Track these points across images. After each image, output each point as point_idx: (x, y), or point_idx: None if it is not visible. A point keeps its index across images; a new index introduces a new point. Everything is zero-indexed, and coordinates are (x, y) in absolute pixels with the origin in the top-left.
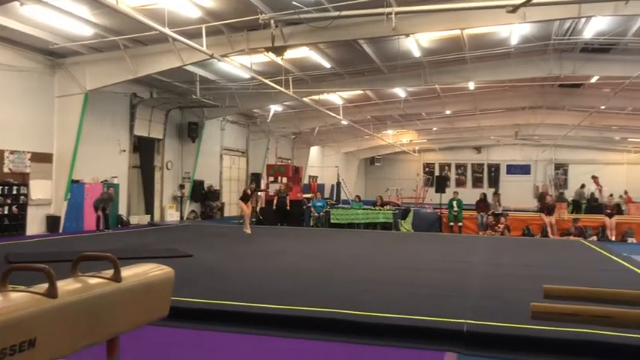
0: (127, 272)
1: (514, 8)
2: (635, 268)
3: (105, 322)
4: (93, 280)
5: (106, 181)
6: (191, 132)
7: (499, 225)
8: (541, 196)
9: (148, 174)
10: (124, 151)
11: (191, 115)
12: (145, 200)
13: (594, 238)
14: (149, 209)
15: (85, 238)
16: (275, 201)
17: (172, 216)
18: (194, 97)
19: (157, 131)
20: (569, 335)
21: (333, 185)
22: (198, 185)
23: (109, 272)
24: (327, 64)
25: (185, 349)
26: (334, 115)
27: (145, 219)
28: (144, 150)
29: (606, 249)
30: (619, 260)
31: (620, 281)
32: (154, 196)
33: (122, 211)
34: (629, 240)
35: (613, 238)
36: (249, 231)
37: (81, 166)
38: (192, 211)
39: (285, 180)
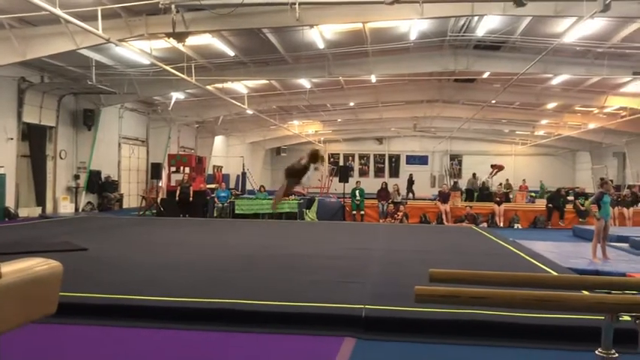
0: (8, 268)
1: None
2: (519, 252)
3: None
4: None
5: None
6: (86, 119)
7: (398, 213)
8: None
9: (39, 163)
10: (11, 139)
11: (86, 101)
12: (35, 191)
13: (485, 224)
14: (41, 201)
15: None
16: (177, 192)
17: (66, 208)
18: (90, 82)
19: (48, 118)
20: (454, 316)
21: (238, 175)
22: (94, 176)
23: None
24: (230, 52)
25: (72, 345)
26: (239, 104)
27: (36, 211)
28: (34, 138)
29: (495, 234)
30: (506, 245)
31: (506, 264)
32: (46, 187)
33: (10, 203)
34: (515, 226)
35: (501, 224)
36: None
37: None
38: (89, 202)
39: (187, 170)
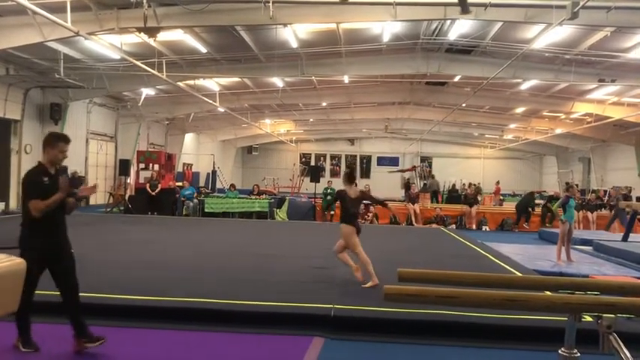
0: None
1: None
2: (487, 254)
3: None
4: None
5: None
6: (53, 114)
7: (368, 214)
8: (407, 185)
9: (2, 158)
10: None
11: (54, 95)
12: None
13: (453, 226)
14: (4, 196)
15: None
16: (147, 189)
17: None
18: (57, 76)
19: (13, 111)
20: (421, 316)
21: (208, 173)
22: (61, 171)
23: None
24: (202, 49)
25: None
26: (210, 101)
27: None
28: None
29: (463, 236)
30: (474, 247)
31: (473, 265)
32: (10, 182)
33: None
34: (484, 228)
35: (474, 227)
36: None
37: None
38: None
39: (156, 167)
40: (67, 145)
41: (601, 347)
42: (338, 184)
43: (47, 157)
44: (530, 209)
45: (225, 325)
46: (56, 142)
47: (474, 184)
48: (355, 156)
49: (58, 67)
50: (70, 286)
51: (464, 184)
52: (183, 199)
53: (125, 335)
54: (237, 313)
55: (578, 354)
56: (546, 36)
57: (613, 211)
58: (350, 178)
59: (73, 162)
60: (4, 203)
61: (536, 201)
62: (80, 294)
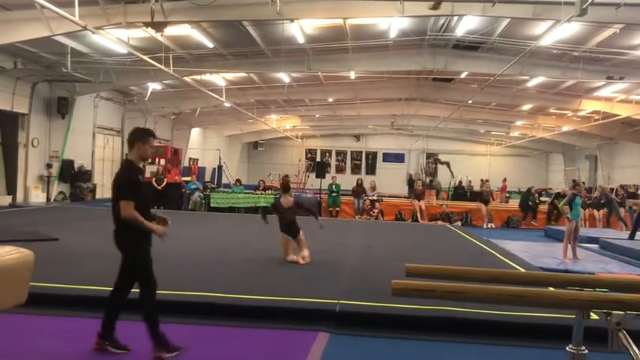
0: None
1: None
2: (493, 251)
3: None
4: None
5: None
6: (61, 108)
7: (374, 210)
8: (411, 181)
9: (10, 151)
10: None
11: (61, 89)
12: (6, 180)
13: (459, 223)
14: (11, 189)
15: None
16: (153, 183)
17: (38, 197)
18: (64, 70)
19: (21, 105)
20: (427, 312)
21: (214, 168)
22: (67, 165)
23: None
24: (209, 44)
25: (44, 336)
26: (217, 96)
27: (7, 200)
28: (6, 125)
29: (469, 233)
30: (479, 243)
31: (479, 262)
32: (17, 175)
33: None
34: (490, 225)
35: (492, 225)
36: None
37: None
38: (61, 192)
39: (163, 162)
40: (154, 139)
41: (610, 344)
42: (343, 179)
43: (137, 153)
44: (531, 204)
45: (229, 320)
46: (147, 137)
47: (486, 180)
48: (361, 152)
49: (66, 61)
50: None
51: (470, 181)
52: (188, 192)
53: (132, 328)
54: (242, 308)
55: (586, 351)
56: (554, 33)
57: (606, 207)
58: (285, 188)
59: (79, 156)
60: (11, 196)
61: (542, 198)
62: (96, 287)
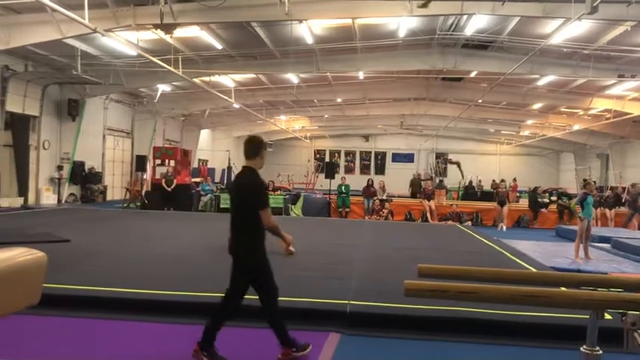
0: None
1: None
2: (503, 251)
3: None
4: None
5: None
6: (71, 110)
7: (384, 210)
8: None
9: (21, 153)
10: None
11: (71, 91)
12: (18, 182)
13: (469, 223)
14: (23, 191)
15: None
16: (163, 185)
17: (49, 199)
18: (75, 72)
19: (32, 108)
20: (438, 313)
21: (224, 169)
22: (78, 167)
23: None
24: (218, 45)
25: (54, 338)
26: (226, 97)
27: (18, 202)
28: (17, 127)
29: (479, 233)
30: (490, 243)
31: (490, 262)
32: (29, 177)
33: None
34: (500, 225)
35: (504, 228)
36: None
37: None
38: (72, 194)
39: (172, 163)
40: None
41: (625, 345)
42: (353, 180)
43: (260, 162)
44: (540, 200)
45: (242, 320)
46: (266, 146)
47: (500, 181)
48: (370, 152)
49: (76, 64)
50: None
51: (480, 181)
52: (202, 192)
53: (144, 328)
54: (254, 308)
55: (601, 351)
56: (564, 31)
57: (630, 209)
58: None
59: (90, 158)
60: (23, 198)
61: (552, 198)
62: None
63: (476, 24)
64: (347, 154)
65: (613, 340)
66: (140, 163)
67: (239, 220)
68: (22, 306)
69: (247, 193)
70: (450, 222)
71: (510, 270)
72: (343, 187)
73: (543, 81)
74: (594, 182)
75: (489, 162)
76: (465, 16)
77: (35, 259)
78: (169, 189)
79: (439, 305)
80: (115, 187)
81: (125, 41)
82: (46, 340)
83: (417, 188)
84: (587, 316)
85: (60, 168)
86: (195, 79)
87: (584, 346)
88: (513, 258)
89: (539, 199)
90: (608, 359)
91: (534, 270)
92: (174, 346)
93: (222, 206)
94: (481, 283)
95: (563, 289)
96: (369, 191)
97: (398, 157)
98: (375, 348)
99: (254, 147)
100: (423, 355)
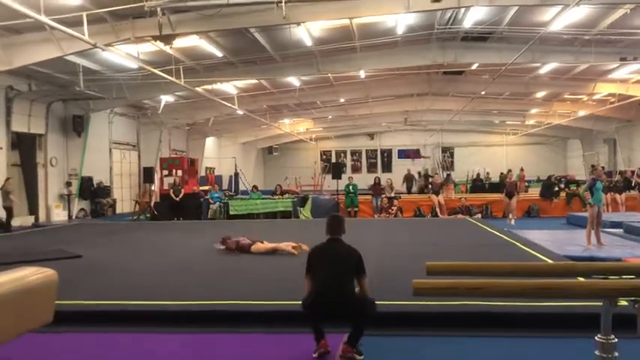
0: (0, 279)
1: None
2: (515, 242)
3: None
4: None
5: None
6: (76, 126)
7: (392, 207)
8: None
9: (29, 172)
10: (1, 148)
11: (75, 107)
12: (27, 200)
13: (479, 215)
14: (33, 209)
15: None
16: (171, 195)
17: (59, 215)
18: (77, 89)
19: (37, 126)
20: (449, 308)
21: (231, 176)
22: (86, 182)
23: None
24: (218, 53)
25: (70, 355)
26: (229, 104)
27: (29, 220)
28: (24, 146)
29: (490, 225)
30: (501, 235)
31: (502, 254)
32: (38, 195)
33: (1, 212)
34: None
35: (512, 222)
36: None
37: None
38: (82, 209)
39: (180, 173)
40: None
41: (639, 331)
42: (360, 179)
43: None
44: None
45: (257, 326)
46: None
47: (509, 171)
48: (375, 150)
49: (78, 80)
50: None
51: (487, 173)
52: (211, 200)
53: (158, 339)
54: (266, 313)
55: (616, 340)
56: (564, 17)
57: None
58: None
59: (97, 172)
60: (33, 216)
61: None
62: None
63: (474, 16)
64: (353, 153)
65: (629, 326)
66: (147, 174)
67: (343, 284)
68: (36, 325)
69: (346, 260)
70: (459, 216)
71: (521, 263)
72: (351, 187)
73: (545, 69)
74: (602, 167)
75: (496, 153)
76: (462, 9)
77: (46, 278)
78: (177, 199)
79: (450, 300)
80: (124, 200)
81: (126, 54)
82: (60, 356)
83: (410, 183)
84: (600, 304)
85: (68, 184)
86: (197, 88)
87: (599, 335)
88: (525, 248)
89: (555, 188)
90: (623, 346)
91: (547, 260)
92: (189, 356)
93: (231, 213)
94: (492, 277)
95: (580, 279)
96: (376, 189)
97: (404, 154)
98: (384, 346)
99: (342, 225)
100: (436, 350)
